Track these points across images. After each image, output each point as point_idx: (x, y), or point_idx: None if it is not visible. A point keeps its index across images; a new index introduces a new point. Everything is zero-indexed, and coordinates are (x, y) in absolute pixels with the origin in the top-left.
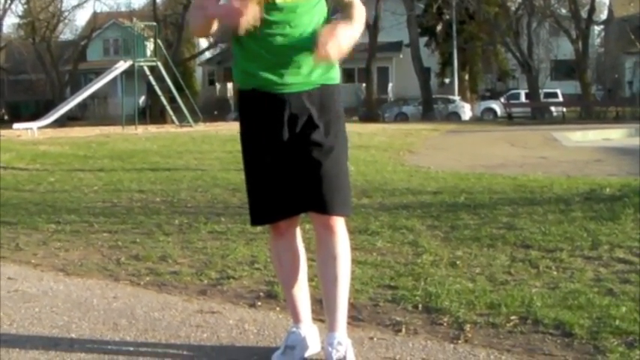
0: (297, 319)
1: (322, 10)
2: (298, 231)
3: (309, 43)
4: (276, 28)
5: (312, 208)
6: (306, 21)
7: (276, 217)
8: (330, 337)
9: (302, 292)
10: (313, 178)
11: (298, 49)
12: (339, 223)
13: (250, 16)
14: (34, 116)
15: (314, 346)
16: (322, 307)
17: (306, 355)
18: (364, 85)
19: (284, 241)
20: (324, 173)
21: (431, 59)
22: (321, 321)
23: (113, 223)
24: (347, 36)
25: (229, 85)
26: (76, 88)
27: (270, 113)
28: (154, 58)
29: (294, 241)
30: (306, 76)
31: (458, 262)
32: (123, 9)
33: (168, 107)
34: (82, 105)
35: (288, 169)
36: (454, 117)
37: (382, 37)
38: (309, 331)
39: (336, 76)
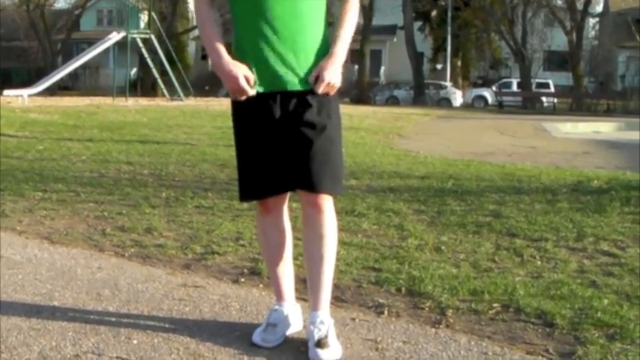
0: (280, 297)
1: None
2: (285, 209)
3: (305, 43)
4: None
5: (301, 186)
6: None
7: (264, 194)
8: (312, 315)
9: (286, 271)
10: (304, 156)
11: (295, 49)
12: (326, 203)
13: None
14: (25, 83)
15: (296, 325)
16: (306, 287)
17: (288, 333)
18: (356, 67)
19: (271, 218)
20: (315, 151)
21: (424, 44)
22: (305, 300)
23: (100, 194)
24: (337, 66)
25: None
26: (68, 58)
27: (262, 102)
28: (148, 31)
29: (281, 219)
30: (300, 76)
31: (443, 248)
32: None
33: (159, 80)
34: (74, 74)
35: (278, 147)
36: (445, 103)
37: (377, 20)
38: (292, 309)
39: None
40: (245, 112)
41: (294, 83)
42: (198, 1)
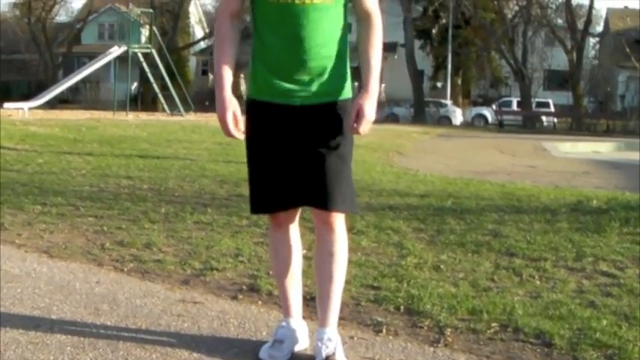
0: (287, 313)
1: (339, 19)
2: (297, 226)
3: (325, 59)
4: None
5: (314, 204)
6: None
7: (275, 208)
8: (320, 332)
9: (294, 287)
10: (316, 173)
11: (315, 64)
12: (338, 221)
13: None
14: (26, 96)
15: (303, 341)
16: (312, 305)
17: (296, 349)
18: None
19: (281, 233)
20: (328, 169)
21: (425, 62)
22: (311, 319)
23: (99, 208)
24: (374, 101)
25: None
26: (69, 71)
27: (278, 107)
28: (149, 45)
29: (292, 235)
30: (316, 90)
31: (442, 266)
32: None
33: (160, 95)
34: (74, 88)
35: (291, 162)
36: (445, 121)
37: None
38: (299, 325)
39: (349, 90)
40: (259, 124)
41: (309, 98)
42: (220, 15)
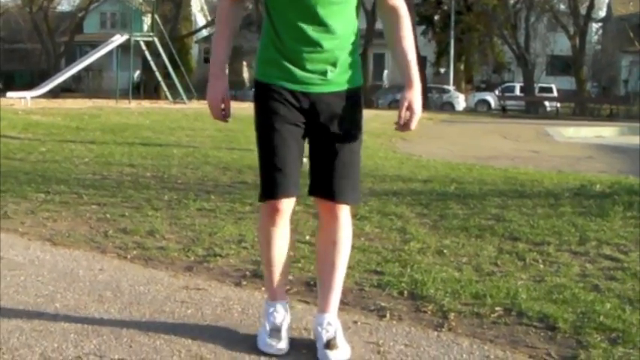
0: (274, 297)
1: (352, 8)
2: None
3: (340, 47)
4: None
5: (322, 194)
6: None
7: (283, 194)
8: (320, 317)
9: (284, 272)
10: (327, 165)
11: (330, 52)
12: (343, 210)
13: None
14: (28, 86)
15: (288, 316)
16: (309, 289)
17: (290, 325)
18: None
19: (278, 220)
20: (339, 160)
21: (427, 48)
22: (307, 302)
23: (102, 196)
24: (420, 94)
25: None
26: (72, 60)
27: (289, 99)
28: (151, 34)
29: (287, 222)
30: (334, 81)
31: (445, 251)
32: None
33: (162, 83)
34: (77, 77)
35: (300, 152)
36: (448, 107)
37: (380, 24)
38: (282, 305)
39: (360, 78)
40: (272, 108)
41: (324, 86)
42: None
